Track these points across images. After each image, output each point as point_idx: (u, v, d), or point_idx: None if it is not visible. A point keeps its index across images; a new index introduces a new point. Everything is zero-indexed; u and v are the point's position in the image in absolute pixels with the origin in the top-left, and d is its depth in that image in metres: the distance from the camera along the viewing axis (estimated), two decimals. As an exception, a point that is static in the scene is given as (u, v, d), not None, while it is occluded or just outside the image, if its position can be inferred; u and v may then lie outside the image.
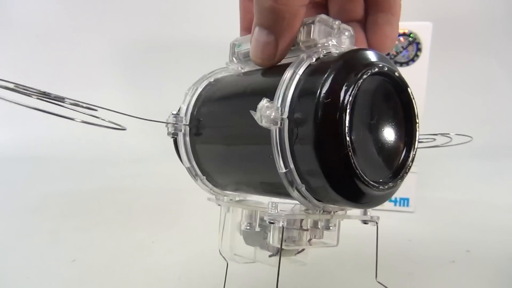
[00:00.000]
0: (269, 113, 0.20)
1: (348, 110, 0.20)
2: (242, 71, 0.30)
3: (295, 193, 0.22)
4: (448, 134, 0.36)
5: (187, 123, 0.29)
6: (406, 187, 0.58)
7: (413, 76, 0.55)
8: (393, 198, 0.59)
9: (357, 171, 0.20)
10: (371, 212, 0.26)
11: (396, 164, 0.23)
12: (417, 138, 0.24)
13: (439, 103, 0.99)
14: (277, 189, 0.24)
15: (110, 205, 0.62)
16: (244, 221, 0.27)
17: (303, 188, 0.22)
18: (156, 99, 0.95)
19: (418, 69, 0.55)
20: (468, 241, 0.48)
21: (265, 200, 0.26)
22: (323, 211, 0.25)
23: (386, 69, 0.22)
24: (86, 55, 1.13)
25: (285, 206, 0.25)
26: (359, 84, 0.20)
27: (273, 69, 0.25)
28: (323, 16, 0.24)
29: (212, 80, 0.30)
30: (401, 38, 0.55)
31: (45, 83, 1.17)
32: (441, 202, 0.63)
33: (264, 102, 0.21)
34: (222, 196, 0.30)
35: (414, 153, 0.23)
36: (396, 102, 0.23)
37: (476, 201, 0.64)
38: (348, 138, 0.19)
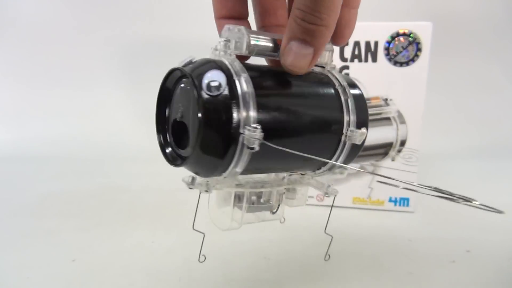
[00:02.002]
0: None
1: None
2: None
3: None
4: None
5: None
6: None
7: (413, 76, 0.56)
8: (393, 198, 0.59)
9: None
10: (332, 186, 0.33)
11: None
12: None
13: (439, 103, 0.99)
14: None
15: (110, 205, 0.62)
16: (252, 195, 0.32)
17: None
18: (155, 99, 0.95)
19: (418, 69, 0.55)
20: (468, 241, 0.48)
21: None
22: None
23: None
24: (86, 55, 1.13)
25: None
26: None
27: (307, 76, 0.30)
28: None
29: None
30: (401, 38, 0.55)
31: (45, 83, 1.17)
32: (441, 202, 0.63)
33: None
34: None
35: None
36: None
37: (476, 201, 0.64)
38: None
